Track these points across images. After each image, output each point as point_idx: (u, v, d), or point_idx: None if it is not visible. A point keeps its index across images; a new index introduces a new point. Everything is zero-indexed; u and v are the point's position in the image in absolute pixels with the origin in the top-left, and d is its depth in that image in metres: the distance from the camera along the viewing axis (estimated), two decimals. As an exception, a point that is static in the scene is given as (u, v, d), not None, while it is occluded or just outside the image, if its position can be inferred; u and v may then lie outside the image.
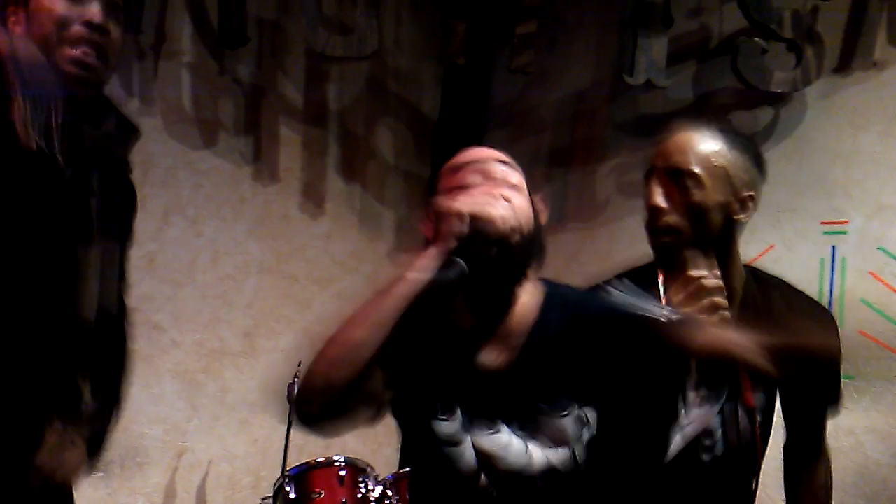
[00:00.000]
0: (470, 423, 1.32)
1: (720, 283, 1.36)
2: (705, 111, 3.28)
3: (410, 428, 1.41)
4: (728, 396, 1.53)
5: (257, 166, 3.48)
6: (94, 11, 1.33)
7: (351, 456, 2.79)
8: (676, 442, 1.48)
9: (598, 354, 1.32)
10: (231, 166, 3.41)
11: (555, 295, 1.40)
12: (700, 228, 1.45)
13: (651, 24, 3.11)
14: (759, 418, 1.55)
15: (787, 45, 2.99)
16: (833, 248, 2.92)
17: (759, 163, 1.52)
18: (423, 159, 3.96)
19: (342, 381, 1.23)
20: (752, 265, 1.68)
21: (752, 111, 3.17)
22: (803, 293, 1.67)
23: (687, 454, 1.50)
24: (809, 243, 2.98)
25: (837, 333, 1.64)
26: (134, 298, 3.00)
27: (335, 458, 2.74)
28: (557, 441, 1.29)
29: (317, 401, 1.25)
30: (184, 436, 3.23)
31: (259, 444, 3.37)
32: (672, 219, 1.47)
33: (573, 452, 1.29)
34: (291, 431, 2.90)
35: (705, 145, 1.46)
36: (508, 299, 1.35)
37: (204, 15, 3.30)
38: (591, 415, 1.31)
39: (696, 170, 1.44)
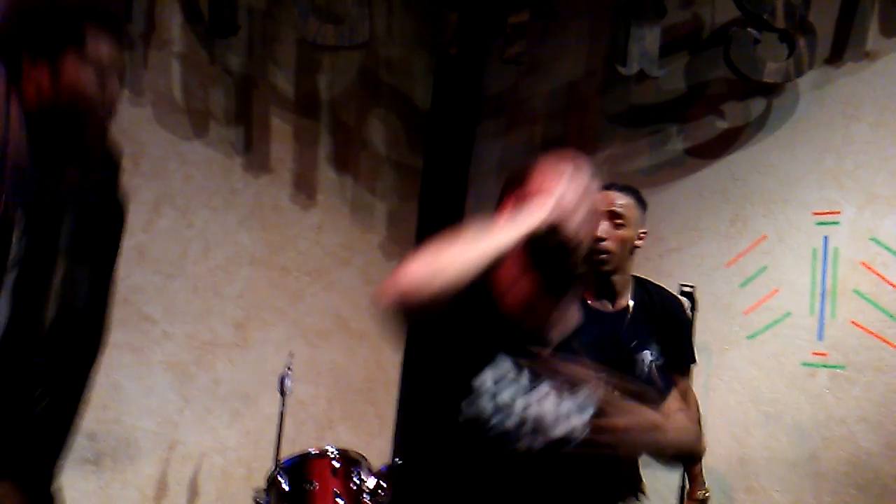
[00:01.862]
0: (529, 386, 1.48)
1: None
2: (697, 101, 3.28)
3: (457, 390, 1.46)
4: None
5: (248, 157, 3.46)
6: (114, 85, 1.49)
7: (344, 447, 2.78)
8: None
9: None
10: (222, 157, 3.38)
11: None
12: (620, 252, 2.31)
13: (644, 15, 3.09)
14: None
15: (779, 36, 2.99)
16: (825, 238, 2.92)
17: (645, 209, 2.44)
18: (415, 150, 3.95)
19: (441, 293, 1.35)
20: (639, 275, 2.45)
21: (745, 101, 3.17)
22: (669, 292, 2.52)
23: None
24: (802, 234, 2.98)
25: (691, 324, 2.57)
26: (124, 289, 2.98)
27: (328, 449, 2.73)
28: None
29: (414, 302, 1.36)
30: (176, 428, 3.22)
31: (251, 436, 3.36)
32: (608, 245, 2.29)
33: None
34: (284, 423, 2.89)
35: (625, 199, 2.36)
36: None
37: (194, 4, 3.27)
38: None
39: (623, 214, 2.32)
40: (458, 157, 3.92)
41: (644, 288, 2.41)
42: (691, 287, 2.60)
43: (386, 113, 3.88)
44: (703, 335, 2.81)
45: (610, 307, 2.31)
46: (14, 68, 1.44)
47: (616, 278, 2.31)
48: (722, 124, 3.22)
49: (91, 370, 1.59)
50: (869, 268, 2.82)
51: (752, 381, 3.00)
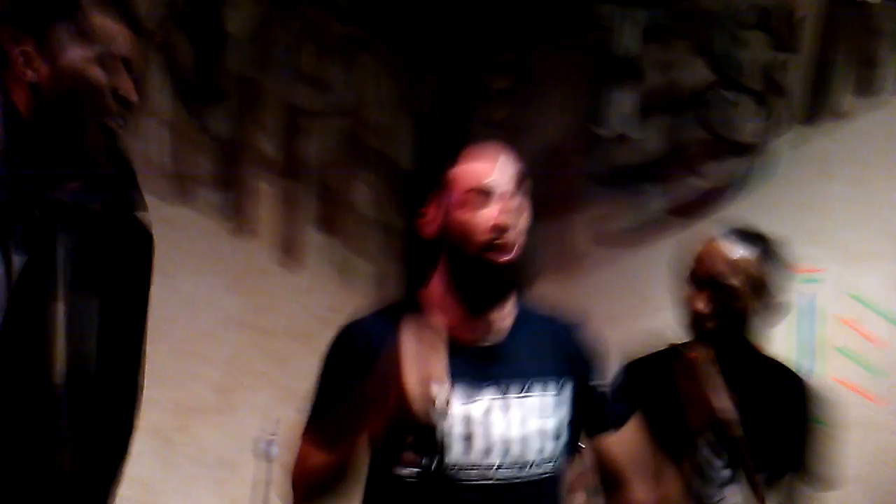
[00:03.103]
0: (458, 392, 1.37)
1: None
2: (677, 162, 3.33)
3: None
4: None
5: (236, 221, 3.47)
6: (129, 88, 1.26)
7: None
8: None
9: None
10: (209, 222, 3.40)
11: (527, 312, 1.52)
12: (736, 331, 1.68)
13: (622, 79, 3.17)
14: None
15: (755, 98, 3.06)
16: (809, 296, 2.94)
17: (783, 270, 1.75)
18: (399, 212, 3.97)
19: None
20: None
21: (724, 162, 3.22)
22: (786, 368, 1.87)
23: None
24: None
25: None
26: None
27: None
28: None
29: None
30: (158, 496, 3.15)
31: (236, 504, 3.30)
32: (711, 324, 1.67)
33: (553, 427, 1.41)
34: (270, 491, 2.84)
35: (742, 255, 1.66)
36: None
37: (181, 70, 3.32)
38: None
39: (734, 281, 1.63)
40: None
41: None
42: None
43: (372, 176, 3.92)
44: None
45: None
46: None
47: None
48: (702, 184, 3.27)
49: (121, 446, 1.38)
50: (851, 325, 2.84)
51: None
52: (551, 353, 1.46)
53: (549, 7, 3.62)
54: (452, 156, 1.54)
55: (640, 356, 1.82)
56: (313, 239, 3.69)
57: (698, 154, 3.28)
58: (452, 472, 1.33)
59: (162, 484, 3.17)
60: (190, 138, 3.35)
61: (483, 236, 1.42)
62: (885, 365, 2.80)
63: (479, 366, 1.40)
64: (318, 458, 1.41)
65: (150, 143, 3.25)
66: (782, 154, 3.12)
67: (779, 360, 1.87)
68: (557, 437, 1.42)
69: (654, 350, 1.81)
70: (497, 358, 1.42)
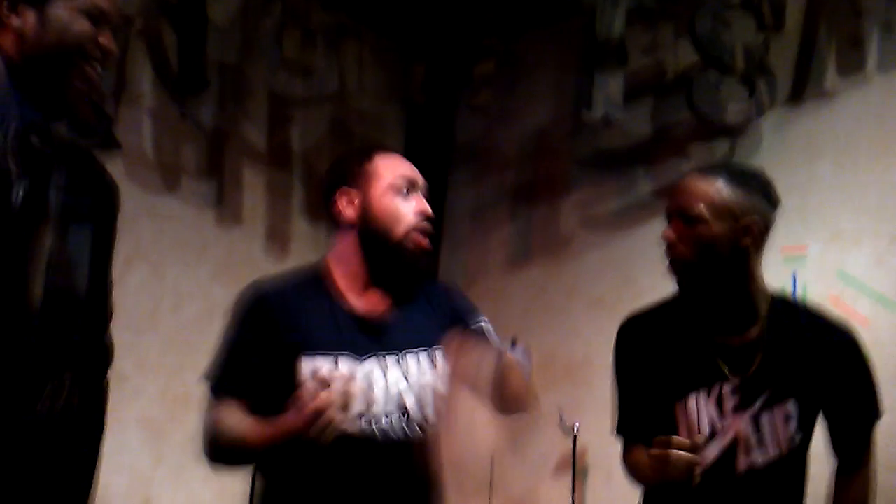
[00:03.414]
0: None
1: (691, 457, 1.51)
2: (662, 144, 3.33)
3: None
4: (764, 404, 1.60)
5: (220, 210, 3.46)
6: (109, 38, 1.36)
7: None
8: (712, 449, 1.58)
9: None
10: (194, 210, 3.38)
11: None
12: (707, 258, 1.60)
13: (607, 62, 3.16)
14: (794, 427, 1.61)
15: (739, 78, 3.06)
16: (794, 274, 2.96)
17: (763, 192, 1.71)
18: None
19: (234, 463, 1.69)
20: (782, 294, 1.77)
21: (709, 143, 3.23)
22: (831, 324, 1.73)
23: (723, 463, 1.59)
24: (770, 271, 3.00)
25: (864, 359, 1.71)
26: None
27: None
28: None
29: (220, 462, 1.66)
30: (149, 485, 3.16)
31: (226, 494, 3.30)
32: (680, 250, 1.63)
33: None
34: (257, 480, 2.84)
35: (705, 185, 1.64)
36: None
37: (164, 60, 3.29)
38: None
39: (698, 208, 1.61)
40: (430, 203, 3.94)
41: (789, 311, 1.78)
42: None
43: (358, 163, 3.91)
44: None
45: None
46: None
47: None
48: (688, 166, 3.27)
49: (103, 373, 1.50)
50: (836, 304, 2.85)
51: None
52: (432, 319, 1.65)
53: (533, -9, 3.62)
54: (370, 151, 1.71)
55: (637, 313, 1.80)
56: (299, 227, 3.68)
57: (684, 136, 3.29)
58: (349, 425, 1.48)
59: (152, 472, 3.17)
60: (174, 128, 3.33)
61: (411, 221, 1.62)
62: (871, 342, 2.80)
63: (370, 334, 1.59)
64: (234, 417, 1.58)
65: (134, 132, 3.23)
66: (767, 134, 3.12)
67: (782, 296, 1.77)
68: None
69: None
70: (387, 328, 1.61)
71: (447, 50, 3.70)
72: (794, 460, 1.62)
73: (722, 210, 1.61)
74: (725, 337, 1.63)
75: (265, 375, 1.58)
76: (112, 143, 1.47)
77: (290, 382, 1.52)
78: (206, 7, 3.28)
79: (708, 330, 1.63)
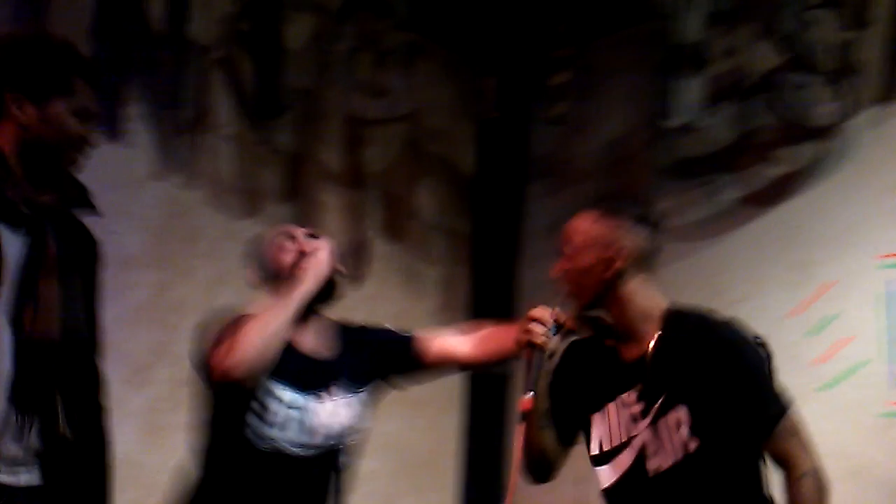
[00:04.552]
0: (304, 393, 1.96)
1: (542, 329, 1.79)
2: (746, 150, 3.23)
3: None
4: (658, 411, 1.71)
5: (301, 232, 3.50)
6: (90, 132, 1.65)
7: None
8: (626, 456, 1.73)
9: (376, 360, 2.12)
10: (275, 234, 3.43)
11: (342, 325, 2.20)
12: (586, 284, 1.80)
13: (685, 67, 3.10)
14: (685, 433, 1.69)
15: (827, 79, 2.95)
16: (888, 282, 2.82)
17: (636, 218, 1.83)
18: (463, 216, 3.96)
19: (263, 361, 1.87)
20: (680, 306, 1.84)
21: (796, 147, 3.11)
22: (713, 326, 1.82)
23: (636, 467, 1.72)
24: (867, 278, 2.88)
25: (745, 356, 1.76)
26: (185, 370, 2.99)
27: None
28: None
29: (243, 370, 1.85)
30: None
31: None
32: (565, 282, 1.85)
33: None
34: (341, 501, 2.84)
35: (578, 222, 1.85)
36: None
37: (241, 87, 3.37)
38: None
39: (571, 243, 1.83)
40: (506, 219, 3.92)
41: (681, 323, 1.84)
42: (761, 339, 2.51)
43: (433, 182, 3.91)
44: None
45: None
46: None
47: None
48: (774, 171, 3.17)
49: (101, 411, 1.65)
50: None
51: (828, 436, 2.86)
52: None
53: (605, -2, 3.57)
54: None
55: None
56: (377, 246, 3.70)
57: (769, 140, 3.18)
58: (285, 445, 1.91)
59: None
60: (254, 153, 3.40)
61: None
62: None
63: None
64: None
65: (215, 159, 3.30)
66: (858, 135, 2.99)
67: (679, 307, 1.82)
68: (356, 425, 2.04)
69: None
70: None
71: (519, 62, 3.67)
72: (700, 465, 1.67)
73: (590, 241, 1.80)
74: (625, 350, 1.78)
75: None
76: (93, 209, 1.69)
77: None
78: (281, 33, 3.34)
79: (613, 345, 1.80)
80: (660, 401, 1.70)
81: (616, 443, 1.74)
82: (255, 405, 1.89)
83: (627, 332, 1.78)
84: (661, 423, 1.70)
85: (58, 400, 1.55)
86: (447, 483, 3.70)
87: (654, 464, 1.70)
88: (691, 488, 1.68)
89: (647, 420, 1.71)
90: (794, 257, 3.08)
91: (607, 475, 1.76)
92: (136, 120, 3.10)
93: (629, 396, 1.74)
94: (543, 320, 1.78)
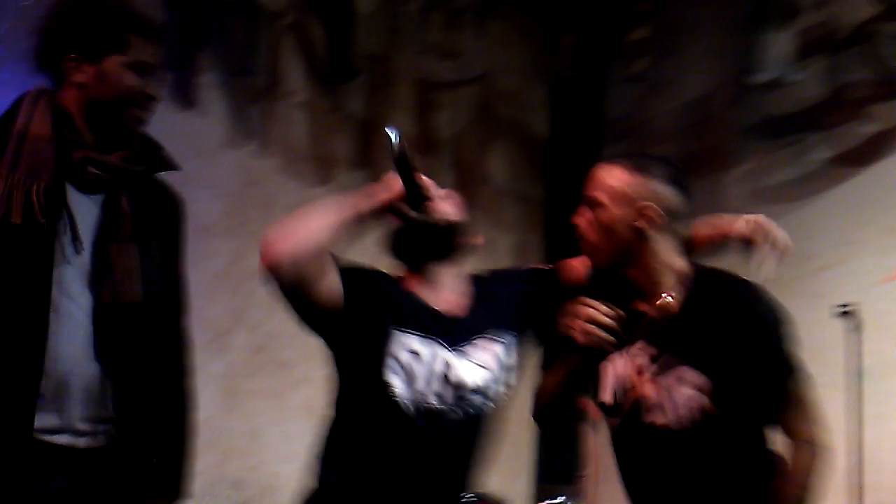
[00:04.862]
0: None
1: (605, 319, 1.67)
2: (839, 106, 3.11)
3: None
4: (662, 367, 1.70)
5: (374, 199, 3.49)
6: (152, 87, 1.64)
7: (483, 492, 2.71)
8: (628, 406, 1.75)
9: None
10: (348, 202, 3.43)
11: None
12: (608, 239, 1.77)
13: (773, 19, 2.98)
14: (690, 392, 1.69)
15: (927, 28, 2.79)
16: None
17: (665, 178, 1.77)
18: (536, 181, 3.91)
19: (303, 257, 1.66)
20: (712, 269, 1.81)
21: (892, 102, 3.01)
22: (733, 287, 1.76)
23: (633, 417, 1.73)
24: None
25: (761, 316, 1.71)
26: (261, 337, 3.01)
27: (464, 496, 2.67)
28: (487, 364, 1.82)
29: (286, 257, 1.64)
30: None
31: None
32: (586, 233, 1.80)
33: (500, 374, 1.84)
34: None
35: (606, 173, 1.79)
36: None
37: (313, 53, 3.36)
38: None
39: (598, 194, 1.78)
40: (581, 184, 3.85)
41: (710, 285, 1.81)
42: (852, 306, 2.41)
43: (506, 146, 3.87)
44: (867, 359, 2.61)
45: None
46: (53, 66, 1.60)
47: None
48: (868, 129, 3.06)
49: (184, 373, 1.69)
50: None
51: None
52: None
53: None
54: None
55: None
56: (450, 212, 3.67)
57: (863, 96, 3.08)
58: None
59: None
60: (326, 120, 3.40)
61: None
62: None
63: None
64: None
65: (288, 127, 3.31)
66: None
67: (709, 270, 1.78)
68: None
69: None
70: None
71: (597, 18, 3.57)
72: (703, 424, 1.66)
73: (618, 195, 1.76)
74: (640, 306, 1.75)
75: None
76: (169, 166, 1.69)
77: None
78: (352, -3, 3.31)
79: (625, 299, 1.76)
80: (665, 357, 1.70)
81: (620, 393, 1.77)
82: (390, 361, 1.77)
83: (646, 290, 1.76)
84: (664, 381, 1.71)
85: (138, 363, 1.57)
86: (521, 452, 3.69)
87: (652, 418, 1.71)
88: (692, 444, 1.69)
89: (649, 373, 1.73)
90: (888, 221, 3.00)
91: (610, 423, 1.80)
92: (209, 89, 3.11)
93: (638, 349, 1.74)
94: (597, 318, 1.66)
